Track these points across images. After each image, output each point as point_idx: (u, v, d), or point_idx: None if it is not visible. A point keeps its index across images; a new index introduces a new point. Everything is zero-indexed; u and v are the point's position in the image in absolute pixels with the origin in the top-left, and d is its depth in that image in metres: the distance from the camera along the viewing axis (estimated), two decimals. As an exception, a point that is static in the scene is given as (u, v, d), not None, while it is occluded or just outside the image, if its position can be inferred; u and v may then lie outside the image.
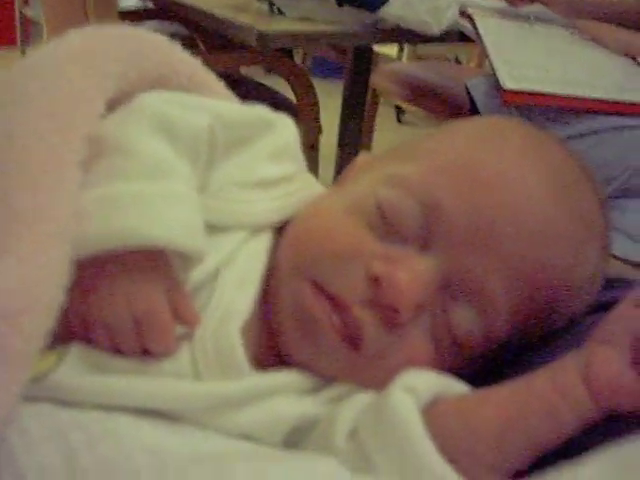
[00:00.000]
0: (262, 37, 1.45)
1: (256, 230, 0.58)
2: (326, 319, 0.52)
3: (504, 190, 0.53)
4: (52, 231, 0.47)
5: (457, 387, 0.53)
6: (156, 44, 0.65)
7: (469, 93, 1.67)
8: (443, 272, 0.52)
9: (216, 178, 0.58)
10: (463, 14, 1.69)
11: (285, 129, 0.64)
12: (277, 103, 2.02)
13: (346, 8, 1.54)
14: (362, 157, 0.65)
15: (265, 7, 1.63)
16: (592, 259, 0.56)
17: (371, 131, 2.70)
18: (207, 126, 0.57)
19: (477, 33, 1.67)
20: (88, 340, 0.50)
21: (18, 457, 0.42)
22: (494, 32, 1.71)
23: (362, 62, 1.95)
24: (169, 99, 0.58)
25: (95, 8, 1.61)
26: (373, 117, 2.72)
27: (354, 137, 2.05)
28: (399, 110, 4.00)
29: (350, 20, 1.56)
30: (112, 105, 0.57)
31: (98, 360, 0.50)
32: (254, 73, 2.16)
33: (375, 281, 0.51)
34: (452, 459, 0.47)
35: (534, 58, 1.63)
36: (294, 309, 0.53)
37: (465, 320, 0.53)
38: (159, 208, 0.50)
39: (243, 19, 1.53)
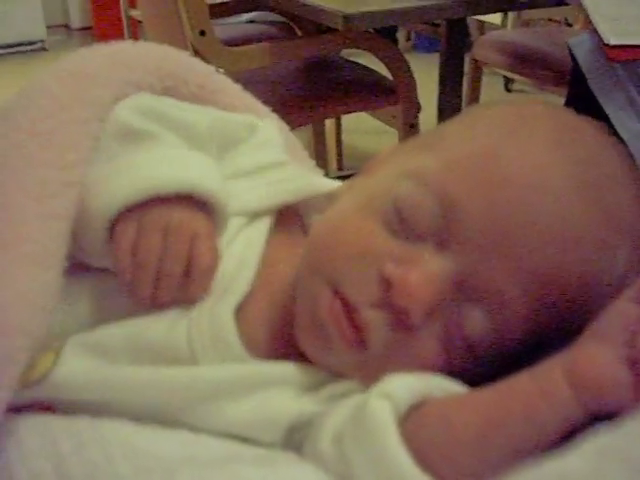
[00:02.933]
0: (347, 19, 1.44)
1: (254, 216, 0.59)
2: (334, 323, 0.51)
3: (524, 187, 0.49)
4: (30, 253, 0.50)
5: (448, 387, 0.50)
6: (160, 57, 0.65)
7: (572, 53, 1.61)
8: (458, 273, 0.50)
9: None
10: (556, -25, 1.62)
11: (266, 130, 0.64)
12: (376, 83, 2.01)
13: (432, -18, 1.52)
14: (388, 148, 0.63)
15: (353, -11, 1.62)
16: (621, 261, 0.51)
17: (475, 103, 2.65)
18: (207, 127, 0.60)
19: (573, -7, 1.60)
20: (134, 261, 0.52)
21: (13, 467, 0.45)
22: (593, -10, 1.64)
23: (455, 35, 1.90)
24: (166, 101, 0.61)
25: (185, 4, 1.64)
26: (477, 89, 2.67)
27: (454, 111, 2.01)
28: (507, 79, 3.89)
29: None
30: None
31: (96, 347, 0.52)
32: (357, 54, 2.14)
33: (387, 283, 0.50)
34: (430, 466, 0.45)
35: (637, 11, 1.55)
36: (309, 309, 0.53)
37: (479, 323, 0.50)
38: (188, 161, 0.55)
39: (330, 3, 1.53)
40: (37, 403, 0.51)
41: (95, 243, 0.53)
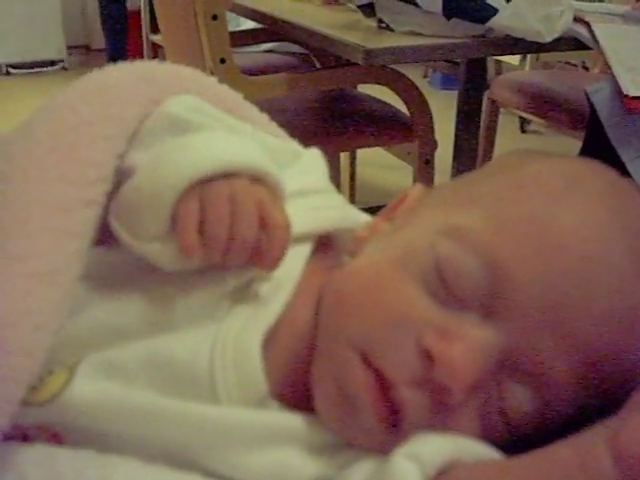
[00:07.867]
0: (368, 54, 1.44)
1: (296, 240, 0.55)
2: (369, 400, 0.47)
3: (583, 259, 0.46)
4: (38, 269, 0.48)
5: (481, 452, 0.46)
6: (187, 78, 0.64)
7: (589, 100, 1.60)
8: (504, 346, 0.46)
9: None
10: (578, 20, 1.62)
11: (310, 157, 0.63)
12: (392, 118, 2.01)
13: (454, 21, 1.52)
14: (417, 189, 0.59)
15: (374, 24, 1.63)
16: None
17: (491, 143, 2.65)
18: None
19: (595, 39, 1.60)
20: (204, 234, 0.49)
21: None
22: (614, 38, 1.64)
23: (475, 74, 1.90)
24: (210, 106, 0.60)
25: (207, 31, 1.65)
26: (493, 129, 2.67)
27: (470, 150, 2.01)
28: (523, 120, 3.90)
29: (459, 33, 1.53)
30: None
31: (112, 365, 0.49)
32: (372, 88, 2.15)
33: (427, 356, 0.46)
34: None
35: (659, 63, 1.55)
36: (335, 379, 0.49)
37: (522, 401, 0.47)
38: (242, 142, 0.56)
39: (351, 37, 1.53)
40: (44, 429, 0.49)
41: (155, 224, 0.51)
